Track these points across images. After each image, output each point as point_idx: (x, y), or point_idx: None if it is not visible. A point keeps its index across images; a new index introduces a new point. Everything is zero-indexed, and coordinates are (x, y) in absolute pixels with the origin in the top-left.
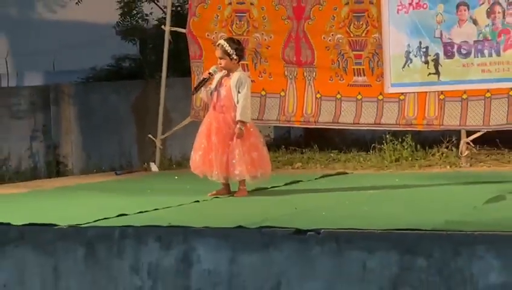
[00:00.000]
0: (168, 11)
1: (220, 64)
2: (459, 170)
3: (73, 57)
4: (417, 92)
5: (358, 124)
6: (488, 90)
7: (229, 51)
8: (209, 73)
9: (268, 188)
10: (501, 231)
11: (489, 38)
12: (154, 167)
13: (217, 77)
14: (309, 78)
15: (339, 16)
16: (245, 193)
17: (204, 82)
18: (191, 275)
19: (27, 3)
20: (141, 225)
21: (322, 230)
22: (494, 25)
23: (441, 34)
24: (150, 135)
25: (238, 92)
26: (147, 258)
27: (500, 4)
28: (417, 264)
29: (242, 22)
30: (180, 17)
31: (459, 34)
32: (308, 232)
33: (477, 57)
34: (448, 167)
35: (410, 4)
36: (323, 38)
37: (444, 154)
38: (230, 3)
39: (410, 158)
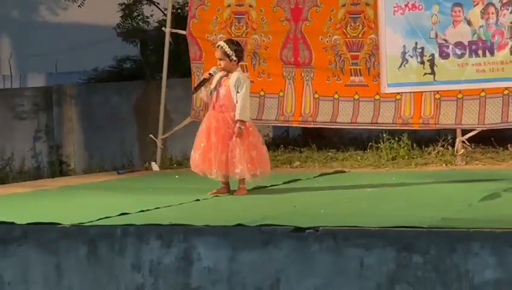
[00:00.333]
0: (169, 13)
1: (220, 65)
2: (454, 168)
3: (75, 58)
4: (413, 92)
5: (356, 123)
6: (483, 90)
7: (228, 52)
8: (209, 74)
9: (267, 187)
10: (496, 228)
11: (484, 39)
12: (155, 167)
13: (216, 77)
14: (307, 78)
15: (335, 17)
16: (245, 191)
17: (204, 82)
18: (192, 273)
19: (30, 6)
20: (142, 223)
21: (321, 228)
22: (488, 25)
23: (436, 35)
24: (151, 135)
25: (237, 92)
26: (148, 256)
27: (493, 5)
28: (414, 261)
29: (241, 24)
30: (180, 19)
31: (454, 35)
32: (307, 230)
33: (472, 57)
34: (444, 165)
35: (406, 5)
36: (321, 39)
37: (439, 153)
38: (229, 6)
39: (406, 157)
